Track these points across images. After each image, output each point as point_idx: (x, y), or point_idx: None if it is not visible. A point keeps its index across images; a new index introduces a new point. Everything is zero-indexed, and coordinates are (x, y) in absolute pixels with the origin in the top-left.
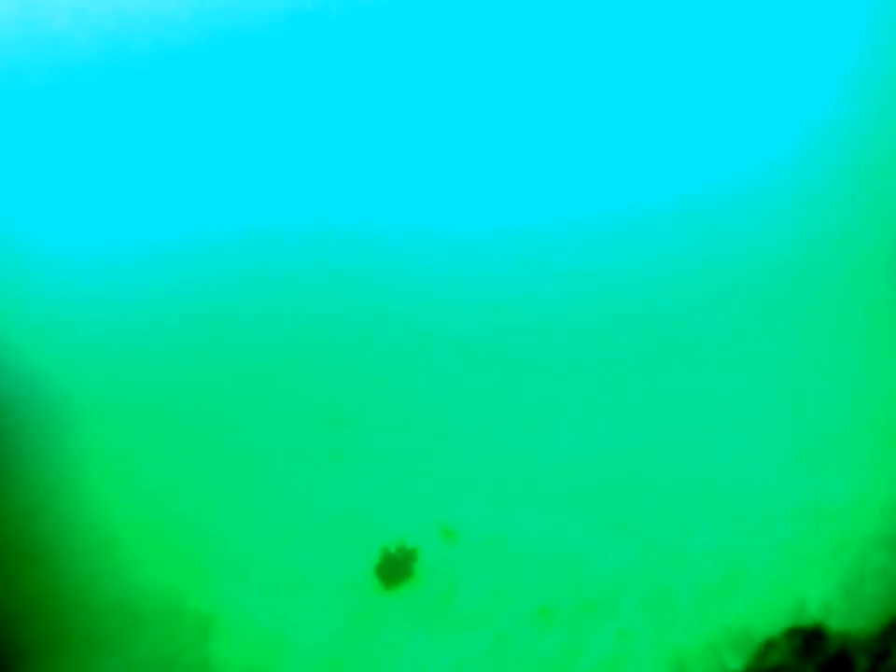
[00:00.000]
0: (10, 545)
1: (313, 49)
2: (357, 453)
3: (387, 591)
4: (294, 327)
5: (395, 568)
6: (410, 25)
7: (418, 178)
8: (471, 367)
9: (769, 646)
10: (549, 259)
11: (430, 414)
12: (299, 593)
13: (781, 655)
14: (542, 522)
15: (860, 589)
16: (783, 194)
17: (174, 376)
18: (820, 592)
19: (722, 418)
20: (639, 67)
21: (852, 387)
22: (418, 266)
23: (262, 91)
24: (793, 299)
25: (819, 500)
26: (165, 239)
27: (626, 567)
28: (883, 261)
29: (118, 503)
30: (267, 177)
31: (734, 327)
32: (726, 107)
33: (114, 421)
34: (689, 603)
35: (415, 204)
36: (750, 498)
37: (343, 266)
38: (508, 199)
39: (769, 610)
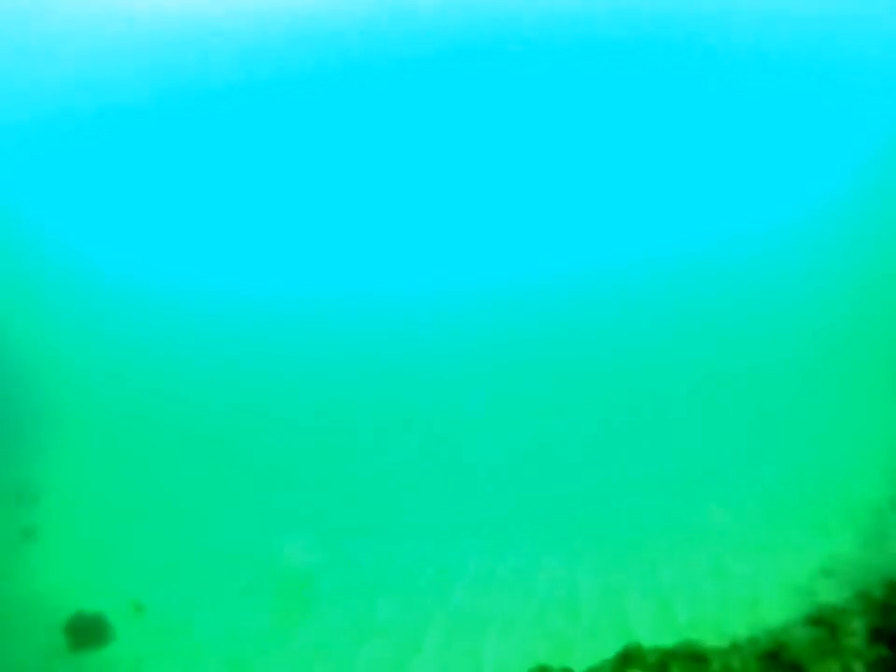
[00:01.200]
0: None
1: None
2: (53, 530)
3: (74, 653)
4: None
5: (83, 634)
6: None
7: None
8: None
9: None
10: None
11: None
12: None
13: None
14: (233, 605)
15: None
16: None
17: None
18: None
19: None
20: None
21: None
22: None
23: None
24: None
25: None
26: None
27: (318, 642)
28: None
29: None
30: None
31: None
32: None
33: None
34: None
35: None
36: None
37: None
38: (529, 265)
39: None
